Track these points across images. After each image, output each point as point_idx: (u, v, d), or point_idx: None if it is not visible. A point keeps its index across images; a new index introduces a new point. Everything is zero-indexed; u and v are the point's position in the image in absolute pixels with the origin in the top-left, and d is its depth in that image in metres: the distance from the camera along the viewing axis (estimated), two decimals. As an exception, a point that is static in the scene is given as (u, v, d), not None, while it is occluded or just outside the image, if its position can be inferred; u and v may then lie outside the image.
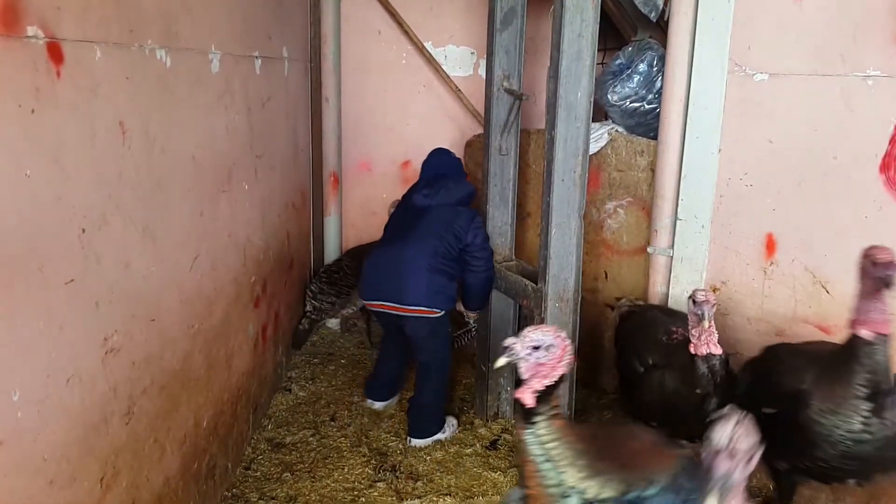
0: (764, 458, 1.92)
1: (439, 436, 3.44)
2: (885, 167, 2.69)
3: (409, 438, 3.41)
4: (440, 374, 3.49)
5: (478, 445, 3.35)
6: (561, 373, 1.85)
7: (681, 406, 2.63)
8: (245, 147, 3.07)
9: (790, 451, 2.41)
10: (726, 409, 1.67)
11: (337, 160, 4.66)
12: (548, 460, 1.82)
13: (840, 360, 2.27)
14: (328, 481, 3.05)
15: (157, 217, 2.18)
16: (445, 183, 3.49)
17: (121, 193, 1.93)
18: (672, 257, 3.28)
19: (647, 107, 3.37)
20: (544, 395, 1.83)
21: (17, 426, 1.52)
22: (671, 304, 3.31)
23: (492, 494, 2.98)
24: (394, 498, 2.96)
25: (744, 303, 3.11)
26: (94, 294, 1.82)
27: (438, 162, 3.68)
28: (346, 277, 4.25)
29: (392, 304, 3.34)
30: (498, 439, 3.39)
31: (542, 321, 2.92)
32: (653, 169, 3.35)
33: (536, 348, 1.82)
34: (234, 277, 2.97)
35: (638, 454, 1.95)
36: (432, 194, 3.44)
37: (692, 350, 2.51)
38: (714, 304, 2.46)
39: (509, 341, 1.85)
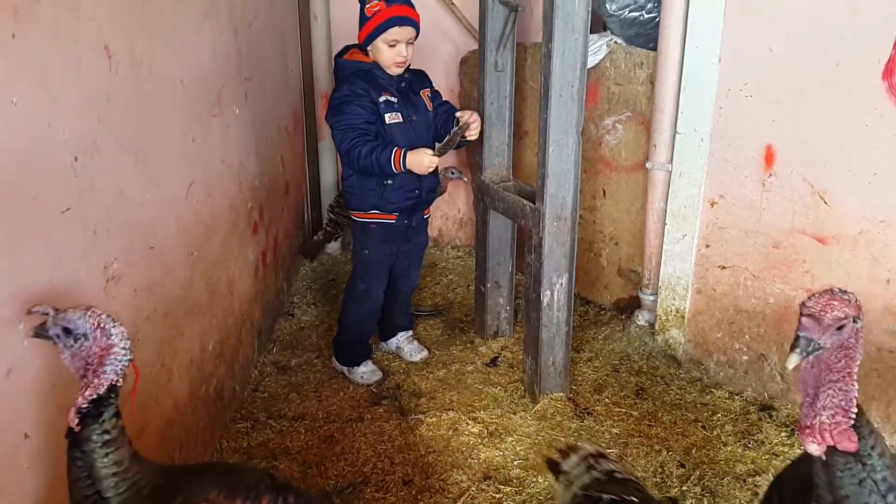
0: None
1: (345, 370, 3.32)
2: (887, 73, 2.63)
3: None
4: (345, 292, 3.37)
5: (479, 363, 3.42)
6: (108, 382, 1.33)
7: None
8: (233, 69, 3.00)
9: None
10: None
11: (329, 81, 4.55)
12: (98, 500, 1.37)
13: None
14: (334, 400, 3.13)
15: (149, 143, 2.15)
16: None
17: (111, 120, 1.90)
18: (671, 172, 3.26)
19: (646, 16, 3.27)
20: (93, 414, 1.34)
21: (24, 355, 1.54)
22: (668, 219, 3.30)
23: (493, 408, 3.06)
24: (398, 414, 3.04)
25: (742, 216, 3.10)
26: (91, 223, 1.81)
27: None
28: None
29: None
30: (497, 357, 3.46)
31: (539, 241, 2.93)
32: (652, 82, 3.28)
33: (67, 332, 1.32)
34: (231, 204, 2.96)
35: None
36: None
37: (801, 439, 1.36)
38: (842, 325, 1.33)
39: (38, 308, 1.35)
